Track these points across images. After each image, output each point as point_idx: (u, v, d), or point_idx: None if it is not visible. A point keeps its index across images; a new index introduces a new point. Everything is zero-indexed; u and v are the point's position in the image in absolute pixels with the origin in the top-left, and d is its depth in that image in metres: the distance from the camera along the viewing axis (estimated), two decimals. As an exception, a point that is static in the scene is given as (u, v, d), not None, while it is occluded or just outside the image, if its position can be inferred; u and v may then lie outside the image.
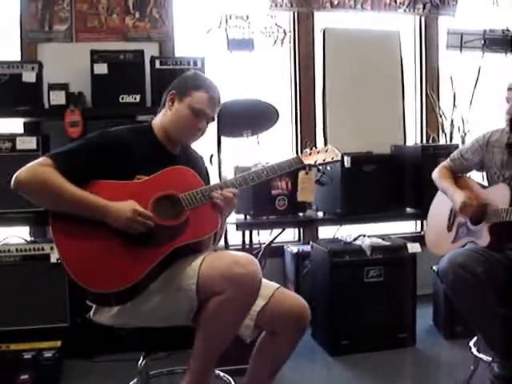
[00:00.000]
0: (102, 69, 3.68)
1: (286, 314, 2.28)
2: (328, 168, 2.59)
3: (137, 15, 4.12)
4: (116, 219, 2.14)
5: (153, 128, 2.43)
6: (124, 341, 2.37)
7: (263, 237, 3.94)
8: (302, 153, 2.54)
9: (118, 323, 2.26)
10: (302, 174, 3.51)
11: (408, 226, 4.71)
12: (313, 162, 2.50)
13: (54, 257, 3.36)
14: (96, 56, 3.70)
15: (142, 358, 2.45)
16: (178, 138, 2.41)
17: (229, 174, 3.32)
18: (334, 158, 2.53)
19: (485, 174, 3.01)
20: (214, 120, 2.46)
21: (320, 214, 3.92)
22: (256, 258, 2.21)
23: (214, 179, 2.60)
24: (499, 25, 4.71)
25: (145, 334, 2.29)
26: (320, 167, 2.55)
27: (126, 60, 3.73)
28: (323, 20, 4.53)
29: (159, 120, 2.44)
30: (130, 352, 2.61)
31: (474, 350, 2.97)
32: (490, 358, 2.80)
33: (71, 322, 3.44)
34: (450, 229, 3.03)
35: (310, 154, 2.51)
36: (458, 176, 3.10)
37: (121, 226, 2.14)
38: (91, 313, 2.32)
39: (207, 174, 2.59)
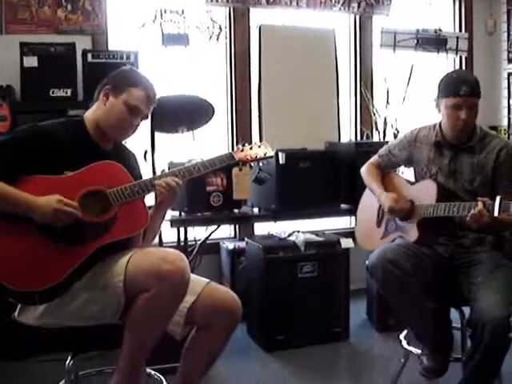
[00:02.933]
0: (31, 62, 3.59)
1: (216, 307, 2.26)
2: (261, 164, 2.59)
3: (69, 7, 4.02)
4: (42, 213, 2.07)
5: (85, 123, 2.36)
6: (52, 341, 2.31)
7: (199, 233, 3.92)
8: (234, 149, 2.53)
9: (43, 323, 2.20)
10: (235, 170, 3.50)
11: (342, 222, 4.76)
12: (245, 158, 2.49)
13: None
14: (26, 48, 3.60)
15: (69, 358, 2.39)
16: (110, 134, 2.35)
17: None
18: (267, 154, 2.53)
19: (412, 169, 3.04)
20: (147, 118, 2.42)
21: (255, 211, 3.92)
22: (191, 254, 2.19)
23: (147, 175, 2.56)
24: (432, 24, 4.84)
25: (72, 333, 2.24)
26: (252, 163, 2.54)
27: (57, 53, 3.64)
28: (259, 17, 4.53)
29: (91, 114, 2.37)
30: (62, 352, 2.55)
31: (404, 342, 3.01)
32: (420, 351, 2.85)
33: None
34: (379, 224, 3.04)
35: (243, 150, 2.50)
36: (385, 172, 3.11)
37: (48, 219, 2.08)
38: (16, 313, 2.26)
39: (139, 171, 2.53)
